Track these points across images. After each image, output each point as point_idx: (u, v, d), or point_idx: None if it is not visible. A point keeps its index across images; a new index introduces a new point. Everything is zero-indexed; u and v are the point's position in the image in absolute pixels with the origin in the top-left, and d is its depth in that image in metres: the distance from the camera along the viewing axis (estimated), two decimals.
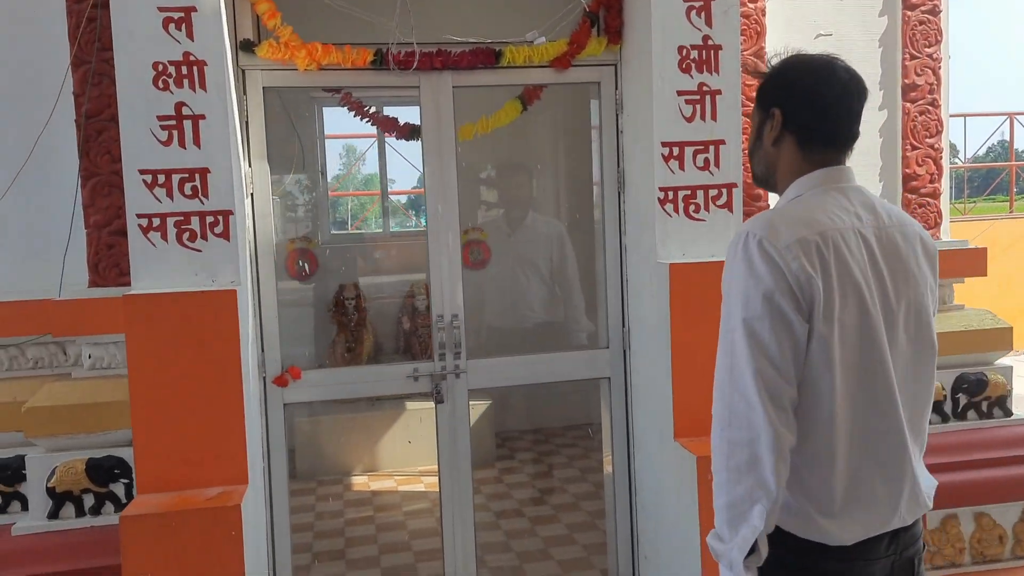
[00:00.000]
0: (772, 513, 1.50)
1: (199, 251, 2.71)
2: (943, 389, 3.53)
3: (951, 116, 3.83)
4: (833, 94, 1.65)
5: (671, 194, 2.97)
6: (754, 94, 1.80)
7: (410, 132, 3.21)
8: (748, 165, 1.85)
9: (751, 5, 3.26)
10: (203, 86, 2.68)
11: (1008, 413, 3.62)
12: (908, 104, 3.66)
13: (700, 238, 2.96)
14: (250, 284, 2.95)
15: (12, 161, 2.91)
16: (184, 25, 2.64)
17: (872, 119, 3.65)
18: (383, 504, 5.08)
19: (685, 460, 2.78)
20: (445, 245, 3.15)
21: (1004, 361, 3.69)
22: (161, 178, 2.67)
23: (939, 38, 3.65)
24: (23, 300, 2.91)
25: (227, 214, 2.72)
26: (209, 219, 2.71)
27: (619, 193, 3.29)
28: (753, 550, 1.51)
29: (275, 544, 3.09)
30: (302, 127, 5.82)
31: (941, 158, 3.69)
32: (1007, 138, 11.58)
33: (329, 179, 7.90)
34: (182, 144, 2.68)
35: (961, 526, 3.34)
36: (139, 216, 2.67)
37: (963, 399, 3.58)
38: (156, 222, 2.68)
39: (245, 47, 2.94)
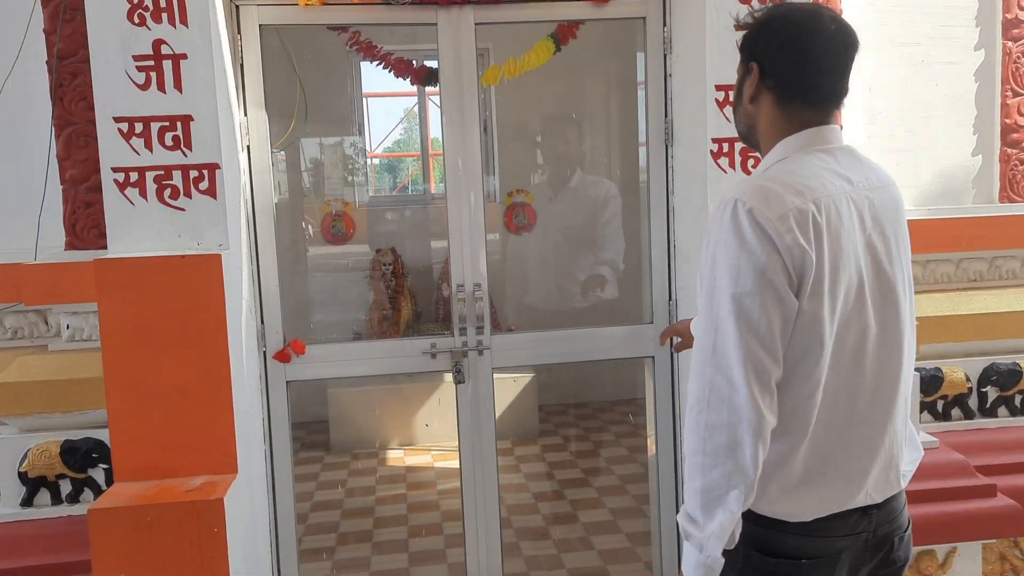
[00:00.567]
0: (748, 498, 1.45)
1: (182, 210, 2.39)
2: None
3: None
4: (817, 46, 1.54)
5: (726, 146, 2.55)
6: None
7: (427, 76, 2.84)
8: None
9: None
10: (184, 21, 2.34)
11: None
12: (1009, 43, 3.12)
13: None
14: (245, 248, 2.63)
15: None
16: None
17: (965, 61, 3.14)
18: (417, 481, 4.79)
19: None
20: (467, 206, 2.78)
21: None
22: (138, 127, 2.35)
23: None
24: None
25: (212, 168, 2.39)
26: (193, 174, 2.38)
27: (667, 148, 2.86)
28: None
29: (279, 534, 2.80)
30: (335, 83, 5.50)
31: None
32: None
33: (374, 139, 7.60)
34: (161, 88, 2.35)
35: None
36: (114, 170, 2.36)
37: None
38: (134, 177, 2.37)
39: None
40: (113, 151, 2.35)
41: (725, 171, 2.54)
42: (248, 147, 2.69)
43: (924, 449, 1.76)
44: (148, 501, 2.19)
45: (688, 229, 2.78)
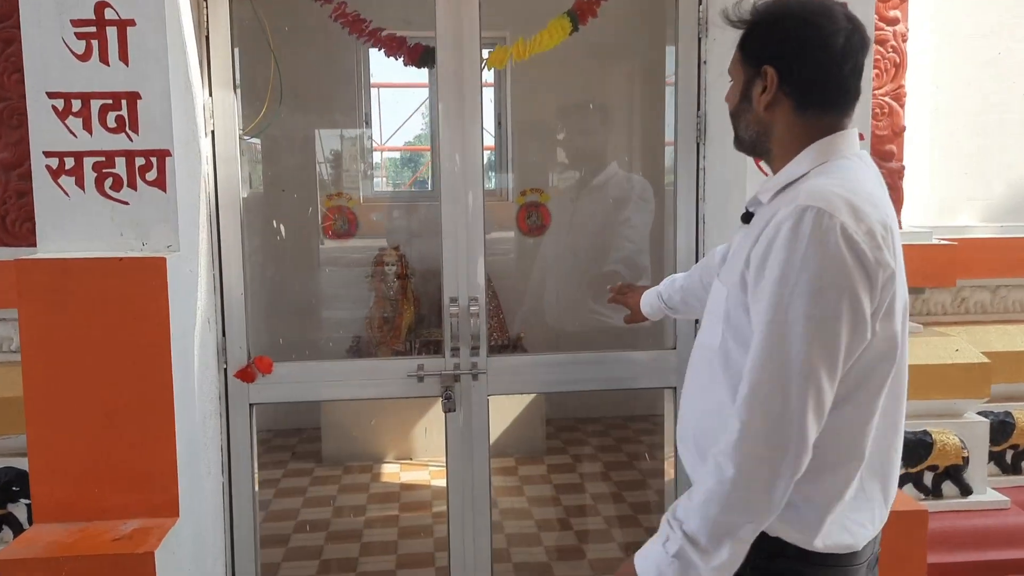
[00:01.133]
0: (759, 529, 1.39)
1: (125, 204, 2.03)
2: None
3: None
4: (837, 47, 1.44)
5: None
6: None
7: (421, 56, 2.47)
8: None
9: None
10: None
11: (966, 490, 2.47)
12: None
13: None
14: (205, 250, 2.26)
15: None
16: None
17: None
18: (412, 501, 4.42)
19: None
20: (463, 207, 2.40)
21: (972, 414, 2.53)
22: (76, 104, 1.99)
23: None
24: None
25: (162, 155, 2.02)
26: (139, 161, 2.02)
27: (698, 146, 2.47)
28: None
29: None
30: (340, 72, 5.15)
31: None
32: None
33: (380, 132, 7.26)
34: (104, 59, 1.99)
35: None
36: (46, 155, 2.00)
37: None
38: (69, 163, 2.01)
39: None
40: (45, 132, 1.99)
41: (768, 175, 2.14)
42: (212, 132, 2.32)
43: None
44: (66, 552, 1.83)
45: (721, 239, 2.39)
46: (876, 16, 2.45)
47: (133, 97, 2.00)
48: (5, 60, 2.12)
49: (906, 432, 2.44)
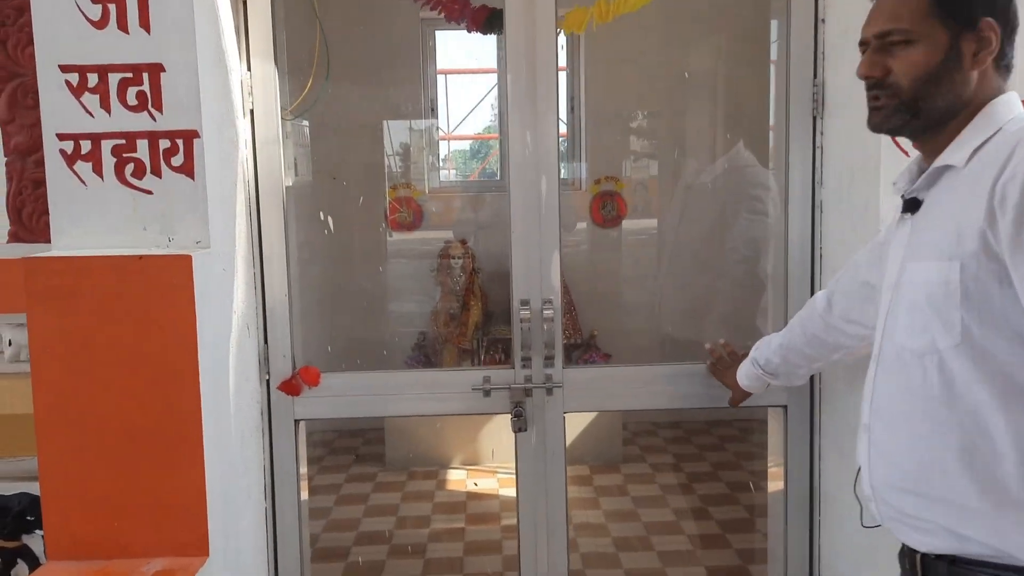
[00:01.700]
0: None
1: (148, 192, 1.76)
2: None
3: None
4: None
5: None
6: None
7: (487, 20, 2.15)
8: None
9: None
10: None
11: None
12: None
13: None
14: (243, 245, 1.99)
15: None
16: None
17: None
18: (480, 512, 4.13)
19: None
20: (535, 197, 2.07)
21: None
22: (92, 78, 1.73)
23: None
24: None
25: (190, 137, 1.75)
26: (163, 144, 1.75)
27: (814, 119, 2.09)
28: None
29: None
30: (404, 56, 4.89)
31: None
32: None
33: (448, 121, 7.01)
34: (122, 26, 1.72)
35: None
36: (60, 137, 1.74)
37: None
38: (86, 147, 1.75)
39: None
40: (59, 111, 1.74)
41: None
42: (251, 112, 2.04)
43: None
44: None
45: (842, 232, 2.01)
46: None
47: (156, 69, 1.73)
48: (18, 31, 1.88)
49: None
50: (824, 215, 2.09)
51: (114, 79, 1.73)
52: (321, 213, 3.74)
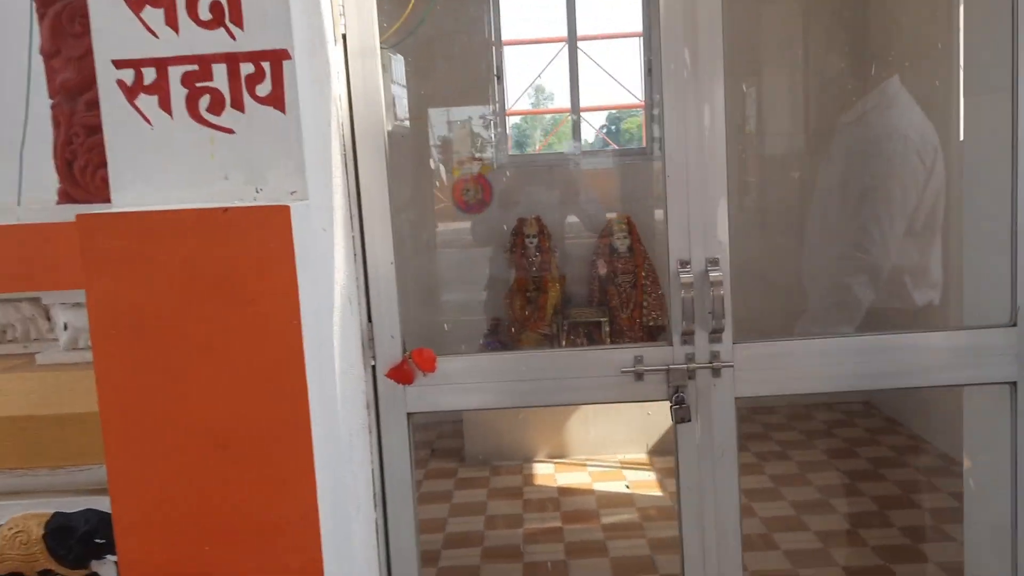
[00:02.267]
0: None
1: (229, 131, 1.39)
2: None
3: None
4: None
5: None
6: None
7: None
8: None
9: None
10: None
11: None
12: None
13: None
14: (341, 201, 1.61)
15: None
16: None
17: None
18: (575, 510, 3.75)
19: None
20: (695, 126, 1.66)
21: None
22: None
23: None
24: None
25: (278, 59, 1.38)
26: (246, 68, 1.38)
27: (1014, 83, 1.66)
28: None
29: None
30: (468, 25, 4.52)
31: None
32: None
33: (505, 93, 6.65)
34: None
35: None
36: (117, 65, 1.38)
37: None
38: (149, 76, 1.39)
39: None
40: (114, 33, 1.38)
41: None
42: (344, 37, 1.66)
43: None
44: None
45: None
46: None
47: None
48: None
49: None
50: None
51: None
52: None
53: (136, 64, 1.38)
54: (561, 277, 4.79)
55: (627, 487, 3.90)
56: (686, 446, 1.74)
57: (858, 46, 3.51)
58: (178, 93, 1.38)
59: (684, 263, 1.68)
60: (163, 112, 1.39)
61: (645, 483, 3.95)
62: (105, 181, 1.48)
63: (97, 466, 1.52)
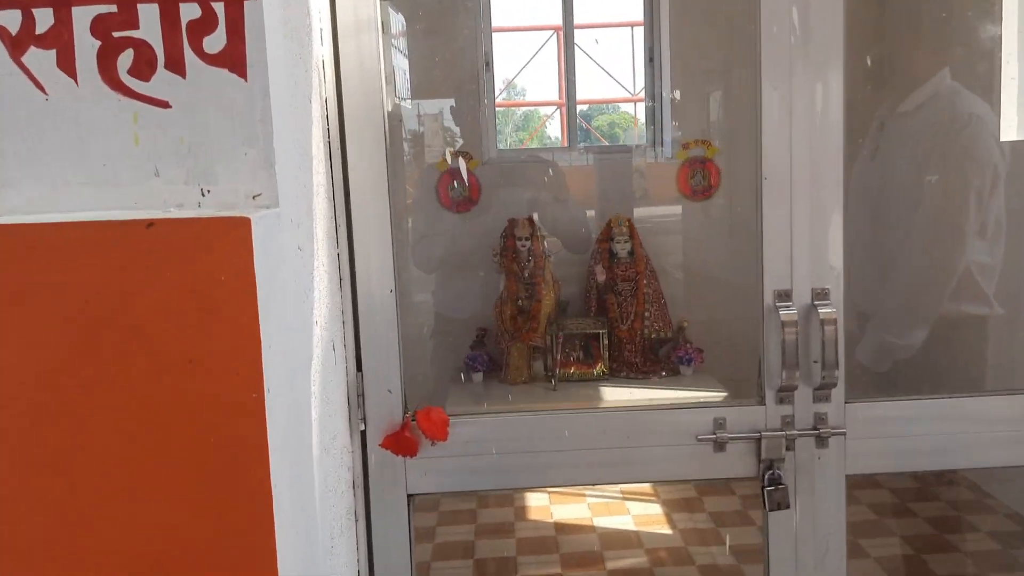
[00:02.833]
0: None
1: (163, 105, 0.94)
2: None
3: None
4: None
5: None
6: None
7: None
8: None
9: None
10: None
11: None
12: None
13: None
14: (323, 207, 1.17)
15: None
16: None
17: None
18: (575, 552, 3.31)
19: None
20: (806, 111, 1.24)
21: None
22: None
23: None
24: None
25: (235, 1, 0.93)
26: (189, 12, 0.93)
27: None
28: None
29: None
30: (456, 8, 4.08)
31: None
32: None
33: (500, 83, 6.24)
34: None
35: None
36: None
37: None
38: (44, 21, 0.93)
39: None
40: None
41: None
42: None
43: None
44: None
45: None
46: None
47: None
48: None
49: None
50: None
51: None
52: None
53: (24, 4, 0.92)
54: (556, 284, 4.38)
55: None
56: (778, 539, 1.31)
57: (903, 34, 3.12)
58: (86, 47, 0.93)
59: (783, 294, 1.26)
60: (63, 75, 0.93)
61: (651, 518, 3.52)
62: None
63: None
